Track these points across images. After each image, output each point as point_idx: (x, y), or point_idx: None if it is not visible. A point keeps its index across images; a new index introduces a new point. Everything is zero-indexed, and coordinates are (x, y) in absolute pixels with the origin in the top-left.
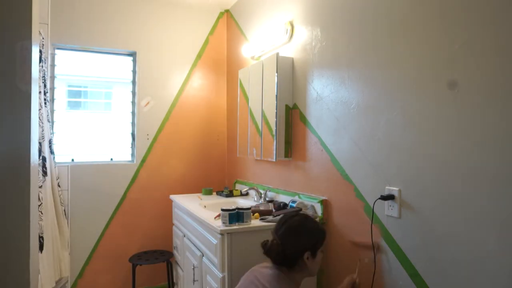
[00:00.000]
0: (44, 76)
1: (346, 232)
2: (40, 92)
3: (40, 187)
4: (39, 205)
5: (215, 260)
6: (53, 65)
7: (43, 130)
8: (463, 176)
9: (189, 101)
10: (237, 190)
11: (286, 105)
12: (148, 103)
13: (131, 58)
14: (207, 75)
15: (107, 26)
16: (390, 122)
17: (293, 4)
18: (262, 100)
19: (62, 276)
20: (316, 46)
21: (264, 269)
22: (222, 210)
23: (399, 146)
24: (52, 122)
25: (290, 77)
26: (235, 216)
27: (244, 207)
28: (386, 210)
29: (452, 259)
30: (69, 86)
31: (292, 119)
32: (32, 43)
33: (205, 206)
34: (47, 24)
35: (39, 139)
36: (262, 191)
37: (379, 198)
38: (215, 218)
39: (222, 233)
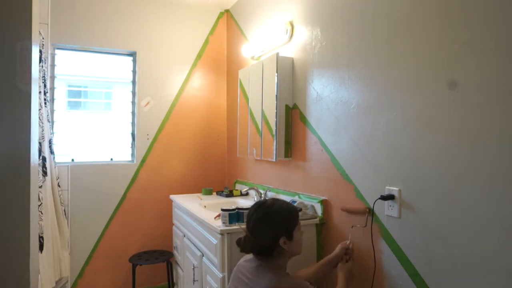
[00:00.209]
0: (44, 76)
1: (346, 232)
2: (40, 92)
3: (40, 187)
4: (39, 205)
5: (215, 260)
6: (53, 65)
7: (43, 130)
8: (463, 176)
9: (189, 101)
10: (237, 190)
11: (286, 105)
12: (148, 103)
13: (131, 58)
14: (207, 75)
15: (107, 26)
16: (390, 122)
17: (293, 4)
18: (262, 100)
19: (62, 276)
20: (316, 46)
21: (247, 262)
22: (222, 210)
23: (399, 146)
24: (52, 122)
25: (290, 77)
26: (235, 216)
27: (244, 207)
28: (386, 210)
29: (452, 259)
30: (69, 86)
31: (292, 119)
32: (32, 43)
33: (205, 206)
34: (47, 24)
35: (39, 139)
36: (262, 191)
37: (379, 198)
38: (215, 218)
39: (222, 233)
